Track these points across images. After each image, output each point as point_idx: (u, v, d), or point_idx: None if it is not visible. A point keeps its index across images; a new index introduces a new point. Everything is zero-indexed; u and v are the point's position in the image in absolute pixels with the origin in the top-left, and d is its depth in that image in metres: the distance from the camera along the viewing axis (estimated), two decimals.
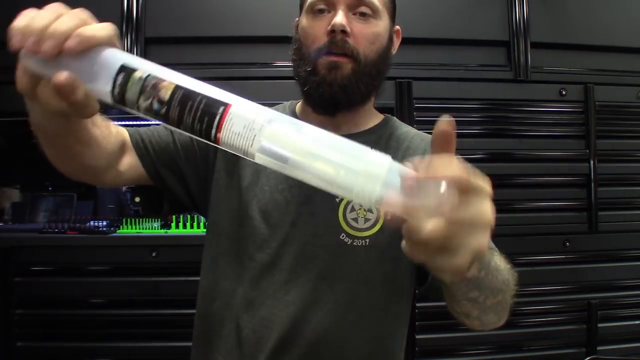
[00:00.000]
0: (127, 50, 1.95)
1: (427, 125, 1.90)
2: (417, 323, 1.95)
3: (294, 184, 0.80)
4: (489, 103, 2.08)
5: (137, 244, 1.90)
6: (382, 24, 0.80)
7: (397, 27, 0.87)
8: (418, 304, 1.93)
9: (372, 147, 0.84)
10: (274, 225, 0.79)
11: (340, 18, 0.75)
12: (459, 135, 1.97)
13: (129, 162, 0.78)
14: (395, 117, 0.92)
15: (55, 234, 1.94)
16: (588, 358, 1.86)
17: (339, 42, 0.76)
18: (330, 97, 0.78)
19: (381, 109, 0.92)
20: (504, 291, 0.62)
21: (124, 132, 0.78)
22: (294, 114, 0.89)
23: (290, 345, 0.76)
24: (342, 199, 0.78)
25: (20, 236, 1.96)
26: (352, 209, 0.78)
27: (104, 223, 2.08)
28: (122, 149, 0.76)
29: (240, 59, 2.02)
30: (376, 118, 0.89)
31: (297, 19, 0.85)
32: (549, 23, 2.13)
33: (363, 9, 0.77)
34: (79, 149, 0.65)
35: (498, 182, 2.03)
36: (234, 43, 2.02)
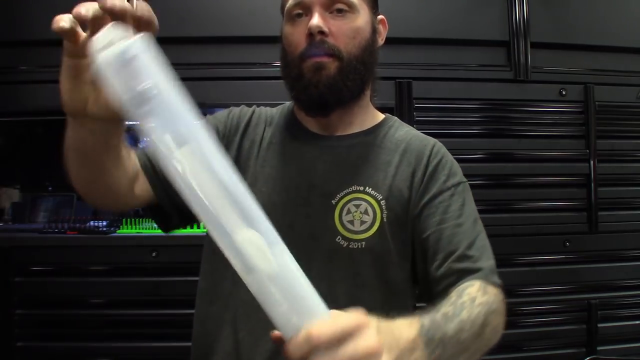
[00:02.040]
0: None
1: (427, 125, 1.91)
2: None
3: (291, 185, 0.80)
4: (489, 103, 2.08)
5: (137, 244, 1.90)
6: (361, 18, 0.79)
7: (381, 16, 0.86)
8: (418, 304, 1.93)
9: (368, 149, 0.82)
10: None
11: (315, 20, 0.75)
12: (459, 135, 1.97)
13: (141, 185, 0.76)
14: (396, 118, 0.91)
15: (55, 234, 1.94)
16: (588, 358, 1.86)
17: (319, 43, 0.76)
18: (318, 98, 0.77)
19: (381, 109, 0.92)
20: (477, 342, 0.62)
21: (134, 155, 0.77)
22: (291, 115, 0.88)
23: None
24: (338, 201, 0.78)
25: (20, 236, 1.96)
26: (348, 211, 0.77)
27: (104, 223, 2.08)
28: (137, 172, 0.75)
29: (240, 59, 2.02)
30: (375, 118, 0.88)
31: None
32: (549, 23, 2.13)
33: (339, 5, 0.77)
34: (109, 165, 0.65)
35: (498, 182, 2.03)
36: (234, 43, 2.02)
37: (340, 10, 0.77)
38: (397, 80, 2.01)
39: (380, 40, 0.85)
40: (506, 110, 2.08)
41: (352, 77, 0.78)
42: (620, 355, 2.04)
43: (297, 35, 0.78)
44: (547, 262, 2.06)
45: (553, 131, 2.10)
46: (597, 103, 2.12)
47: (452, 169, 0.82)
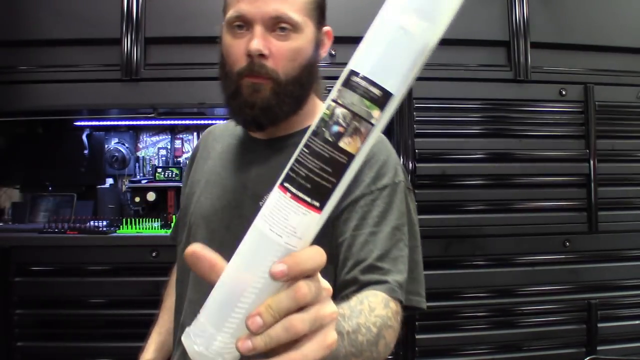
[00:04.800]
0: (128, 50, 1.95)
1: (427, 125, 1.91)
2: (417, 323, 1.95)
3: (229, 189, 0.84)
4: (489, 103, 2.07)
5: (137, 244, 1.90)
6: (303, 37, 0.78)
7: (327, 28, 0.84)
8: None
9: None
10: (213, 230, 0.83)
11: (256, 43, 0.74)
12: (459, 135, 1.96)
13: None
14: None
15: (55, 234, 1.94)
16: (588, 358, 1.86)
17: (257, 66, 0.75)
18: (252, 119, 0.79)
19: None
20: (370, 350, 0.60)
21: None
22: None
23: None
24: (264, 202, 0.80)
25: (20, 236, 1.96)
26: None
27: (104, 223, 2.08)
28: None
29: None
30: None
31: (222, 24, 0.82)
32: (549, 23, 2.13)
33: (282, 24, 0.75)
34: None
35: (498, 182, 2.03)
36: None
37: (283, 29, 0.75)
38: None
39: (323, 53, 0.84)
40: (506, 110, 2.08)
41: (287, 100, 0.78)
42: (620, 355, 2.04)
43: (236, 49, 0.77)
44: (547, 262, 2.06)
45: (553, 131, 2.10)
46: (597, 103, 2.12)
47: (382, 169, 0.78)
